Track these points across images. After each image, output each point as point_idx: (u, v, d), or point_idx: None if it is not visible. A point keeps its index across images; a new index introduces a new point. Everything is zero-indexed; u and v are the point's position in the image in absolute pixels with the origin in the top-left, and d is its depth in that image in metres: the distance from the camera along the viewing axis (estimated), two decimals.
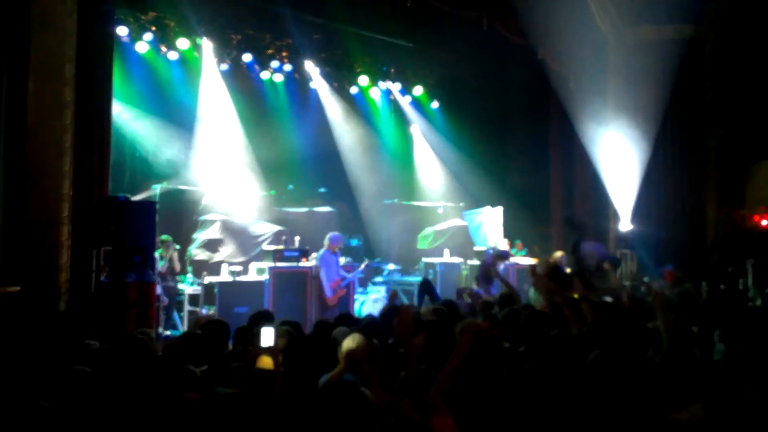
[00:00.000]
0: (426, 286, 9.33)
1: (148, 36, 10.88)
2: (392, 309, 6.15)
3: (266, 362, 3.71)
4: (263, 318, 5.13)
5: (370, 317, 6.19)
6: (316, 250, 10.57)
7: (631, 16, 11.80)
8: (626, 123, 11.85)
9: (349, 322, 5.55)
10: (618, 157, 12.10)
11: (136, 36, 10.77)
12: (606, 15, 11.87)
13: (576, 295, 7.16)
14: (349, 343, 3.85)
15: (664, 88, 11.61)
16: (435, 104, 15.10)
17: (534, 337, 4.40)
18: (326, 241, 10.12)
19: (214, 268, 10.48)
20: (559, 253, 11.30)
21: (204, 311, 9.62)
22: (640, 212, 12.11)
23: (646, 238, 11.88)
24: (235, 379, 3.65)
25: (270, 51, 12.51)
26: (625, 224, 12.18)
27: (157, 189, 10.92)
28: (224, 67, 12.12)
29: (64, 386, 3.59)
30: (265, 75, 12.76)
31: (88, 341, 4.81)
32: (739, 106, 11.80)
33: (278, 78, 12.96)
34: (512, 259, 12.00)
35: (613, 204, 12.36)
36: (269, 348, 3.69)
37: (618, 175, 12.20)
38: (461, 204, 14.52)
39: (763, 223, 11.44)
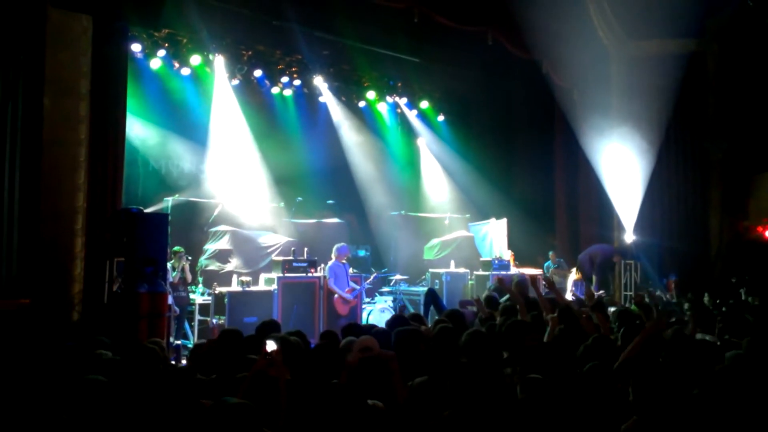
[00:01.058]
0: (432, 296, 9.48)
1: (161, 52, 11.13)
2: (398, 319, 6.28)
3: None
4: (270, 328, 5.24)
5: (374, 327, 6.31)
6: (325, 261, 10.73)
7: (634, 30, 11.92)
8: (630, 135, 11.95)
9: (357, 332, 5.63)
10: (622, 168, 12.19)
11: (149, 52, 11.03)
12: (609, 29, 12.01)
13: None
14: (364, 342, 3.98)
15: (667, 101, 11.72)
16: (441, 117, 15.31)
17: (514, 346, 4.57)
18: (334, 253, 10.37)
19: (225, 279, 10.64)
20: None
21: (214, 321, 9.78)
22: (643, 223, 12.18)
23: (649, 248, 11.96)
24: (241, 388, 3.70)
25: (280, 66, 12.76)
26: (629, 235, 12.26)
27: (169, 201, 11.13)
28: (235, 82, 12.37)
29: (77, 396, 3.69)
30: (275, 90, 13.01)
31: (100, 351, 4.93)
32: (742, 119, 11.90)
33: (288, 92, 13.21)
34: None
35: (618, 215, 12.44)
36: (272, 358, 3.73)
37: (622, 186, 12.29)
38: (467, 215, 14.65)
39: (767, 234, 11.51)
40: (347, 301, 10.32)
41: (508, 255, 12.54)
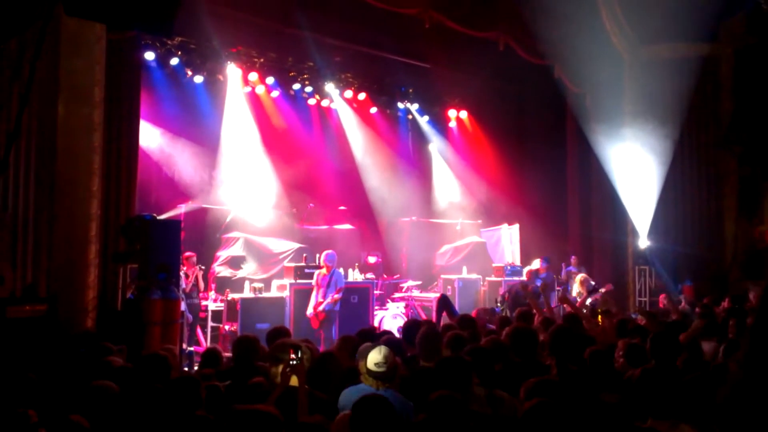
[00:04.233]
0: (444, 302, 9.43)
1: (174, 60, 11.21)
2: (413, 324, 6.27)
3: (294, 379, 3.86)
4: (280, 334, 5.25)
5: (387, 334, 6.30)
6: (336, 268, 10.72)
7: (646, 35, 11.85)
8: (643, 140, 11.86)
9: (372, 337, 5.63)
10: (635, 173, 12.11)
11: (162, 60, 11.11)
12: (621, 33, 11.94)
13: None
14: (375, 356, 3.97)
15: (681, 106, 11.64)
16: (452, 123, 15.33)
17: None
18: (324, 260, 9.93)
19: (237, 285, 10.68)
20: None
21: (226, 328, 9.81)
22: (658, 229, 12.08)
23: (664, 254, 11.86)
24: (271, 398, 3.77)
25: (292, 73, 12.83)
26: (644, 240, 12.17)
27: (182, 208, 11.19)
28: (247, 89, 12.44)
29: (90, 402, 3.73)
30: (287, 96, 13.06)
31: (112, 358, 4.95)
32: (757, 124, 11.78)
33: (300, 99, 13.26)
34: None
35: (632, 220, 12.35)
36: (295, 365, 3.82)
37: (636, 191, 12.20)
38: (479, 221, 14.61)
39: None
40: (315, 312, 9.70)
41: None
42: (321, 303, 9.68)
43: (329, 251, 10.08)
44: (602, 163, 12.48)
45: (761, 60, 11.61)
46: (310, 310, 9.72)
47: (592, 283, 11.41)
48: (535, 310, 7.29)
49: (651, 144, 11.87)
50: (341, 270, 10.36)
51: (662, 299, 9.94)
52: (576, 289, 11.21)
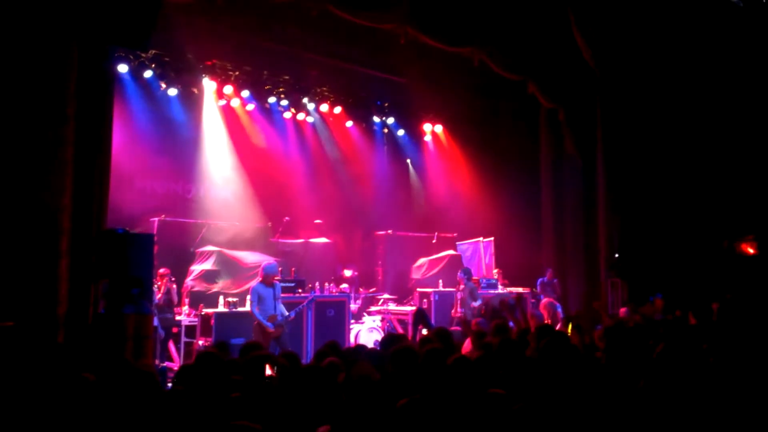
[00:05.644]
0: (420, 316, 9.46)
1: (148, 72, 11.15)
2: (390, 338, 6.25)
3: None
4: (253, 349, 5.20)
5: (364, 348, 6.28)
6: (312, 281, 10.66)
7: (618, 51, 12.01)
8: (615, 153, 12.01)
9: (338, 353, 5.57)
10: (608, 186, 12.24)
11: (136, 72, 11.05)
12: (593, 49, 12.10)
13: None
14: (361, 371, 3.97)
15: (652, 119, 11.82)
16: (428, 137, 15.42)
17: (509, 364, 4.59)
18: (260, 272, 9.26)
19: (211, 299, 10.57)
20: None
21: (200, 343, 9.71)
22: (629, 241, 12.21)
23: (635, 266, 11.97)
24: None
25: (267, 86, 12.83)
26: (615, 253, 12.28)
27: (156, 221, 11.08)
28: (222, 102, 12.40)
29: (63, 419, 3.67)
30: (262, 109, 13.04)
31: (86, 374, 4.87)
32: (726, 136, 12.00)
33: (275, 112, 13.25)
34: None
35: (605, 233, 12.47)
36: (271, 379, 3.81)
37: (608, 204, 12.32)
38: (455, 234, 14.67)
39: (750, 251, 11.58)
40: (267, 331, 8.80)
41: (494, 274, 12.53)
42: (275, 316, 8.89)
43: (270, 261, 9.64)
44: (575, 176, 12.61)
45: (731, 71, 11.84)
46: (270, 324, 8.80)
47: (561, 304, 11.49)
48: (512, 323, 7.33)
49: (623, 157, 12.01)
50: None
51: (623, 312, 10.03)
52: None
